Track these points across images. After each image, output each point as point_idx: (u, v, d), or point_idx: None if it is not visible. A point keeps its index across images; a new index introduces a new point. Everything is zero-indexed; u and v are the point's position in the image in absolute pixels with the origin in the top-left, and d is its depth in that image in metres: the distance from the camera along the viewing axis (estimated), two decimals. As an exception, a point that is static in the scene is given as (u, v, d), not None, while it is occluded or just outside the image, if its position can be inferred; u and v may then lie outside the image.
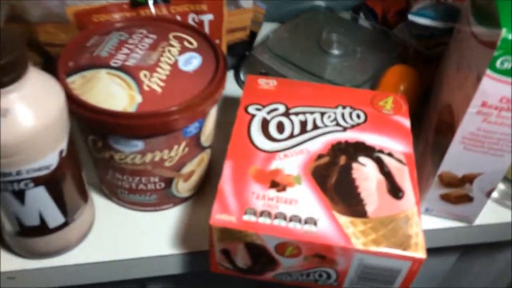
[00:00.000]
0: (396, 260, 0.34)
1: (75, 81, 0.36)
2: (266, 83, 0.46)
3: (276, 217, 0.35)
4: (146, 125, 0.34)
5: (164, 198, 0.42)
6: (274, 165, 0.39)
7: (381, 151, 0.40)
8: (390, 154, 0.40)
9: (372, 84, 0.52)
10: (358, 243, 0.34)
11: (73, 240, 0.40)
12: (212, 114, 0.39)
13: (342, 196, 0.37)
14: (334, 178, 0.38)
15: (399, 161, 0.39)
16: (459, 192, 0.41)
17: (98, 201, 0.44)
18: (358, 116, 0.43)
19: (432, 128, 0.44)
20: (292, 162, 0.39)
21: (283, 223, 0.35)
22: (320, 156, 0.40)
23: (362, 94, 0.45)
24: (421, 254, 0.34)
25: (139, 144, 0.36)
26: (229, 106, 0.41)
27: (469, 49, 0.37)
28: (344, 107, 0.44)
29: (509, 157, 0.37)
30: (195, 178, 0.43)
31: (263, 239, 0.35)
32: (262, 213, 0.35)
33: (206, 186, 0.46)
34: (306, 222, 0.35)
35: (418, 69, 0.51)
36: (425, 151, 0.45)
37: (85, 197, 0.40)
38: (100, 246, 0.41)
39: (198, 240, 0.42)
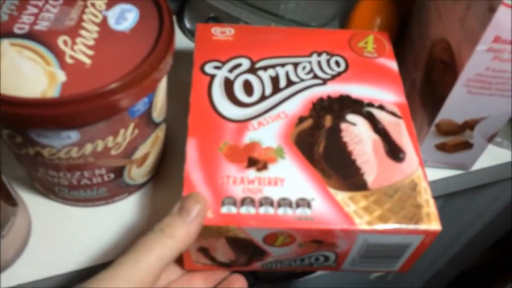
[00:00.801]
0: (406, 236, 0.29)
1: (-32, 60, 0.26)
2: (222, 32, 0.37)
3: (261, 203, 0.29)
4: (78, 112, 0.25)
5: (116, 189, 0.34)
6: (249, 137, 0.31)
7: (370, 104, 0.34)
8: (381, 107, 0.34)
9: (342, 21, 0.45)
10: (362, 222, 0.29)
11: (8, 257, 0.32)
12: (163, 83, 0.31)
13: (335, 167, 0.30)
14: (322, 146, 0.31)
15: (393, 114, 0.33)
16: (457, 139, 0.36)
17: (32, 200, 0.35)
18: (338, 64, 0.36)
19: (420, 67, 0.38)
20: (269, 131, 0.32)
21: (270, 210, 0.29)
22: (301, 119, 0.33)
23: (337, 35, 0.38)
24: (435, 225, 0.29)
25: (73, 135, 0.27)
26: (177, 61, 0.32)
27: (472, -29, 0.30)
28: (319, 54, 0.36)
29: (516, 96, 0.32)
30: (150, 161, 0.35)
31: (248, 232, 0.29)
32: (243, 201, 0.29)
33: (164, 165, 0.38)
34: (298, 205, 0.29)
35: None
36: (413, 94, 0.39)
37: (13, 205, 0.31)
38: (44, 257, 0.33)
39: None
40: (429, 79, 0.36)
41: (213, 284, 0.32)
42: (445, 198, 0.54)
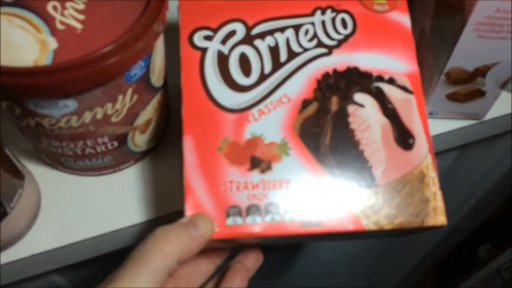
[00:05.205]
0: (412, 229, 0.28)
1: (-43, 32, 0.25)
2: None
3: (267, 211, 0.27)
4: (71, 79, 0.25)
5: (121, 157, 0.34)
6: (250, 131, 0.29)
7: (380, 78, 0.31)
8: (391, 81, 0.31)
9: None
10: (370, 223, 0.27)
11: (20, 228, 0.33)
12: (160, 44, 0.30)
13: (342, 164, 0.28)
14: (328, 136, 0.29)
15: (404, 88, 0.31)
16: (469, 88, 0.35)
17: (40, 172, 0.36)
18: (344, 24, 0.32)
19: (429, 15, 0.36)
20: (271, 121, 0.29)
21: (277, 218, 0.27)
22: (305, 103, 0.30)
23: None
24: (441, 221, 0.28)
25: (70, 104, 0.27)
26: (176, 26, 0.31)
27: None
28: (323, 11, 0.32)
29: (530, 38, 0.30)
30: (153, 127, 0.34)
31: (255, 239, 0.28)
32: (248, 210, 0.27)
33: (170, 131, 0.38)
34: (304, 210, 0.27)
35: None
36: (422, 44, 0.37)
37: (19, 176, 0.31)
38: (55, 227, 0.34)
39: (170, 198, 0.35)
40: (438, 26, 0.35)
41: (219, 262, 0.32)
42: (460, 150, 0.53)
